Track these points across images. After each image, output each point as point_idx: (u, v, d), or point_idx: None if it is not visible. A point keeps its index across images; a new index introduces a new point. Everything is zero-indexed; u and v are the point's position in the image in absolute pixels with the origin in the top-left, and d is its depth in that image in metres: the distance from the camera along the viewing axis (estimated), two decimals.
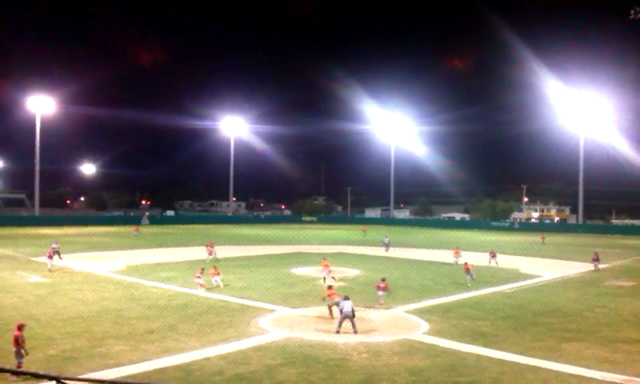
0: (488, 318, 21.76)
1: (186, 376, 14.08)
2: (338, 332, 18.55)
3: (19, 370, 12.43)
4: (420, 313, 22.49)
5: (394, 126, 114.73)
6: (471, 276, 30.51)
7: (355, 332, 18.52)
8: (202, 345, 17.09)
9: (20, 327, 14.38)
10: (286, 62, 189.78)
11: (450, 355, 16.32)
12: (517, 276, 35.09)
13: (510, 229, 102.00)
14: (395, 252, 49.93)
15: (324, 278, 29.67)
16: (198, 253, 44.17)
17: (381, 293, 23.65)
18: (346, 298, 19.49)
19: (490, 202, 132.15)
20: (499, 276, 34.58)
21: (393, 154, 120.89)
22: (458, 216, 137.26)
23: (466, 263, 31.87)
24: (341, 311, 18.94)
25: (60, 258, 37.92)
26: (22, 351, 14.07)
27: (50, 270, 33.19)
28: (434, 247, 56.09)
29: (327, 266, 31.36)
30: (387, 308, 23.28)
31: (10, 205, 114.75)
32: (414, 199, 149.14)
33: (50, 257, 34.66)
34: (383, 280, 24.14)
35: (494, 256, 40.47)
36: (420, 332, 19.29)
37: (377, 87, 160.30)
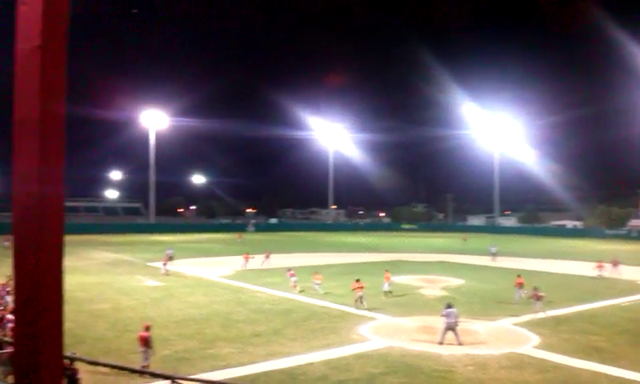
0: (603, 333, 20.38)
1: (290, 380, 14.46)
2: (441, 343, 18.19)
3: (136, 368, 13.22)
4: (529, 325, 21.49)
5: (498, 129, 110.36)
6: (521, 294, 26.69)
7: (459, 343, 18.07)
8: (305, 350, 17.47)
9: (147, 328, 15.51)
10: (382, 67, 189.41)
11: (562, 371, 15.48)
12: (635, 288, 32.52)
13: (627, 237, 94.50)
14: (501, 261, 48.03)
15: (387, 292, 28.57)
16: (301, 259, 45.18)
17: (539, 303, 23.33)
18: (449, 306, 19.05)
19: (605, 208, 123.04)
20: (616, 288, 32.26)
21: (497, 158, 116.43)
22: (569, 224, 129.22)
23: (519, 277, 28.12)
24: (445, 317, 18.56)
25: (172, 263, 40.27)
26: (150, 351, 15.13)
27: (164, 274, 35.49)
28: (544, 257, 53.29)
29: (388, 277, 29.81)
30: (537, 312, 23.24)
31: (127, 213, 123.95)
32: (520, 206, 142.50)
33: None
34: (536, 288, 23.78)
35: (616, 265, 37.84)
36: (529, 346, 18.45)
37: (479, 89, 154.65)
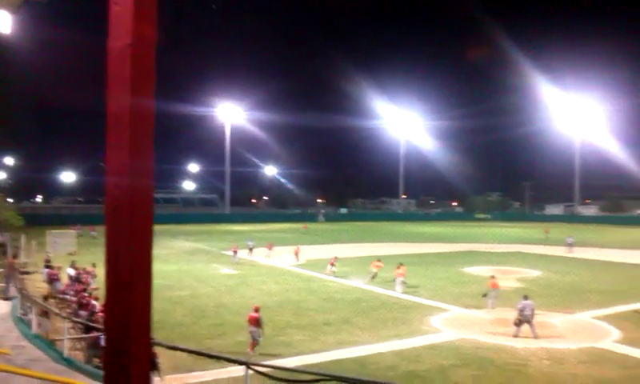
0: None
1: (360, 369, 14.54)
2: (516, 336, 17.74)
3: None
4: (610, 319, 20.52)
5: (579, 113, 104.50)
6: (492, 298, 22.44)
7: (535, 337, 17.55)
8: (375, 339, 17.53)
9: (257, 309, 16.21)
10: (456, 52, 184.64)
11: None
12: None
13: None
14: (581, 252, 45.93)
15: (402, 283, 27.02)
16: (370, 249, 45.16)
17: None
18: (525, 298, 18.54)
19: None
20: None
21: (578, 143, 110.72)
22: None
23: (492, 277, 23.72)
24: (520, 312, 18.06)
25: (250, 255, 41.11)
26: (260, 330, 15.76)
27: (235, 263, 36.51)
28: (627, 247, 50.55)
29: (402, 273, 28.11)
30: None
31: (204, 204, 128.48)
32: (602, 194, 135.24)
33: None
34: None
35: None
36: (610, 340, 17.64)
37: (557, 71, 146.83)
